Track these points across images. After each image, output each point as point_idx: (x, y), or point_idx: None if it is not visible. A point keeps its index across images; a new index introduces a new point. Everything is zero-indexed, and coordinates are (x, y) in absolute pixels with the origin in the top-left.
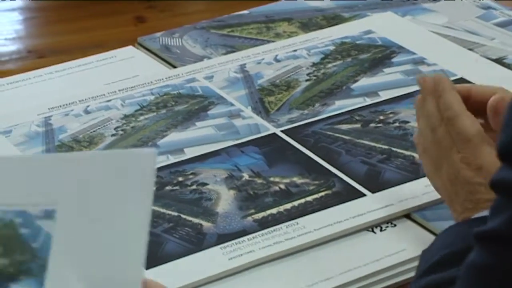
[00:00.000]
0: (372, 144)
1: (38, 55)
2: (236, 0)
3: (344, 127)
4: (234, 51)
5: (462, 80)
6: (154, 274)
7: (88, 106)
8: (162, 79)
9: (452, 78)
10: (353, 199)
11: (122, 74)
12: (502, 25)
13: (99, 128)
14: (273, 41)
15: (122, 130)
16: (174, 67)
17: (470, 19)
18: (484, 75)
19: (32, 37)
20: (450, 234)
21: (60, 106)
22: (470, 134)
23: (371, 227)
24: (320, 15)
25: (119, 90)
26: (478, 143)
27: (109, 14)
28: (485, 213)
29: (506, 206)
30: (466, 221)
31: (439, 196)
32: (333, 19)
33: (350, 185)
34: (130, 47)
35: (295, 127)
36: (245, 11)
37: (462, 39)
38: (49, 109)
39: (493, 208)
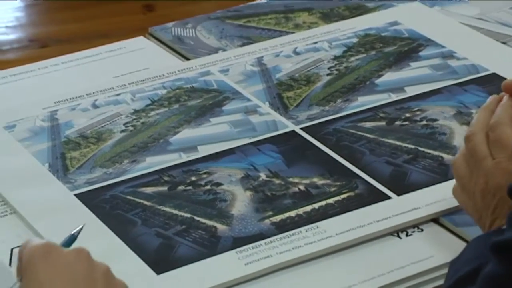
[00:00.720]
0: (398, 143)
1: (40, 44)
2: None
3: (368, 125)
4: (250, 43)
5: (494, 76)
6: (165, 279)
7: (96, 100)
8: (175, 72)
9: (484, 74)
10: (377, 202)
11: (132, 66)
12: None
13: (107, 124)
14: (292, 32)
15: (132, 126)
16: (187, 59)
17: (504, 10)
18: None
19: (34, 25)
20: (479, 245)
21: (67, 100)
22: (510, 142)
23: (396, 232)
24: (342, 4)
25: (129, 84)
26: None
27: (116, 1)
28: None
29: None
30: (495, 230)
31: None
32: (356, 9)
33: (374, 186)
34: (141, 37)
35: (316, 124)
36: (263, 0)
37: (495, 31)
38: (55, 103)
39: (510, 218)
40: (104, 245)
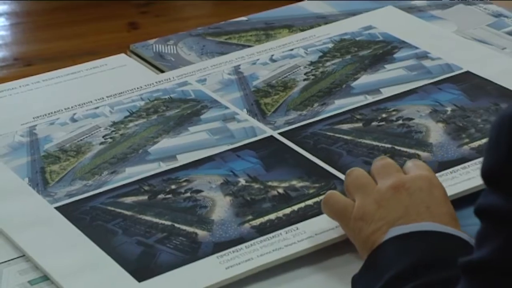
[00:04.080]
0: (375, 143)
1: (25, 62)
2: (235, 0)
3: (345, 127)
4: None
5: (468, 74)
6: (146, 286)
7: (74, 114)
8: (152, 83)
9: (458, 72)
10: None
11: (113, 83)
12: None
13: (86, 137)
14: None
15: (111, 138)
16: None
17: (480, 27)
18: (492, 69)
19: (19, 43)
20: (393, 249)
21: (45, 115)
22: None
23: None
24: (322, 22)
25: (107, 97)
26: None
27: (101, 19)
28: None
29: (494, 234)
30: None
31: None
32: None
33: None
34: (122, 54)
35: (293, 128)
36: (244, 18)
37: None
38: (33, 118)
39: (479, 237)
40: (85, 255)
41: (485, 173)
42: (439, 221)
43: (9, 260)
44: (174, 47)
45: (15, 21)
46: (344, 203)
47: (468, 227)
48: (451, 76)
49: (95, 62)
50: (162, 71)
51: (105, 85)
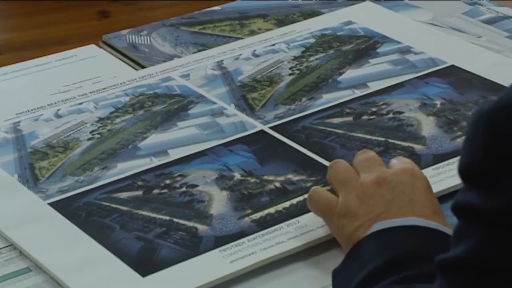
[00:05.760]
0: (367, 136)
1: None
2: None
3: (335, 120)
4: (206, 50)
5: (453, 67)
6: (151, 281)
7: (58, 110)
8: (135, 79)
9: (443, 66)
10: None
11: (83, 75)
12: (489, 22)
13: (73, 132)
14: None
15: (98, 133)
16: (142, 66)
17: (456, 16)
18: (476, 62)
19: None
20: (373, 244)
21: (28, 111)
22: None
23: None
24: (297, 11)
25: (90, 92)
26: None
27: (71, 7)
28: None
29: (470, 232)
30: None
31: (440, 188)
32: (310, 15)
33: None
34: (92, 45)
35: (284, 123)
36: (217, 7)
37: None
38: (16, 114)
39: (455, 234)
40: (85, 251)
41: (462, 171)
42: (422, 215)
43: None
44: (148, 37)
45: None
46: (327, 199)
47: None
48: (436, 70)
49: (64, 53)
50: (136, 62)
51: (75, 77)
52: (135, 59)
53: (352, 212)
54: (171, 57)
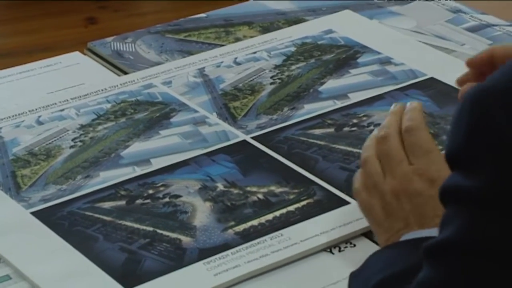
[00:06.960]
0: (349, 149)
1: None
2: (194, 0)
3: (317, 132)
4: None
5: (432, 80)
6: None
7: (40, 116)
8: (117, 85)
9: (422, 78)
10: (336, 208)
11: (67, 82)
12: (472, 29)
13: (55, 140)
14: None
15: (80, 141)
16: (127, 74)
17: (439, 23)
18: (455, 74)
19: None
20: (389, 254)
21: (9, 117)
22: (431, 147)
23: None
24: (282, 18)
25: (71, 99)
26: (436, 156)
27: (59, 14)
28: (422, 233)
29: (456, 215)
30: (396, 244)
31: None
32: (295, 22)
33: (331, 192)
34: (77, 52)
35: (266, 133)
36: (203, 14)
37: (431, 44)
38: None
39: (443, 220)
40: (69, 262)
41: (448, 154)
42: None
43: None
44: (133, 45)
45: None
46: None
47: None
48: (416, 82)
49: (49, 60)
50: (120, 70)
51: (60, 84)
52: (120, 67)
53: (380, 223)
54: (156, 65)
